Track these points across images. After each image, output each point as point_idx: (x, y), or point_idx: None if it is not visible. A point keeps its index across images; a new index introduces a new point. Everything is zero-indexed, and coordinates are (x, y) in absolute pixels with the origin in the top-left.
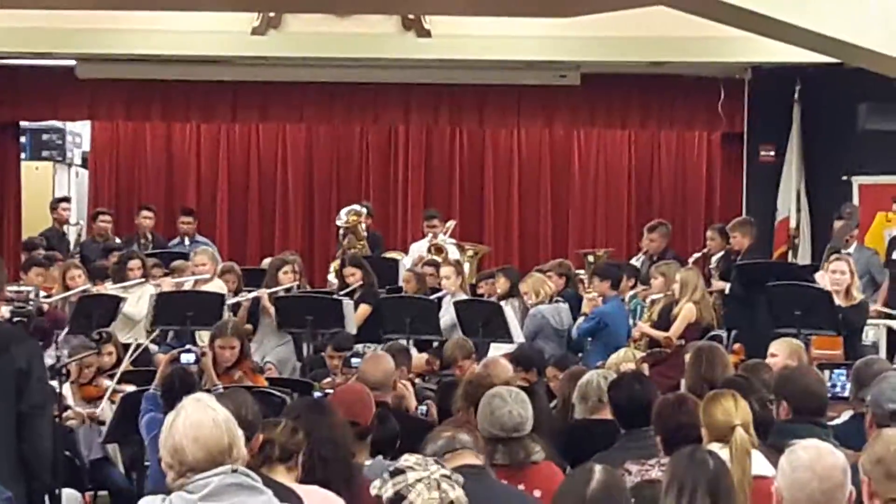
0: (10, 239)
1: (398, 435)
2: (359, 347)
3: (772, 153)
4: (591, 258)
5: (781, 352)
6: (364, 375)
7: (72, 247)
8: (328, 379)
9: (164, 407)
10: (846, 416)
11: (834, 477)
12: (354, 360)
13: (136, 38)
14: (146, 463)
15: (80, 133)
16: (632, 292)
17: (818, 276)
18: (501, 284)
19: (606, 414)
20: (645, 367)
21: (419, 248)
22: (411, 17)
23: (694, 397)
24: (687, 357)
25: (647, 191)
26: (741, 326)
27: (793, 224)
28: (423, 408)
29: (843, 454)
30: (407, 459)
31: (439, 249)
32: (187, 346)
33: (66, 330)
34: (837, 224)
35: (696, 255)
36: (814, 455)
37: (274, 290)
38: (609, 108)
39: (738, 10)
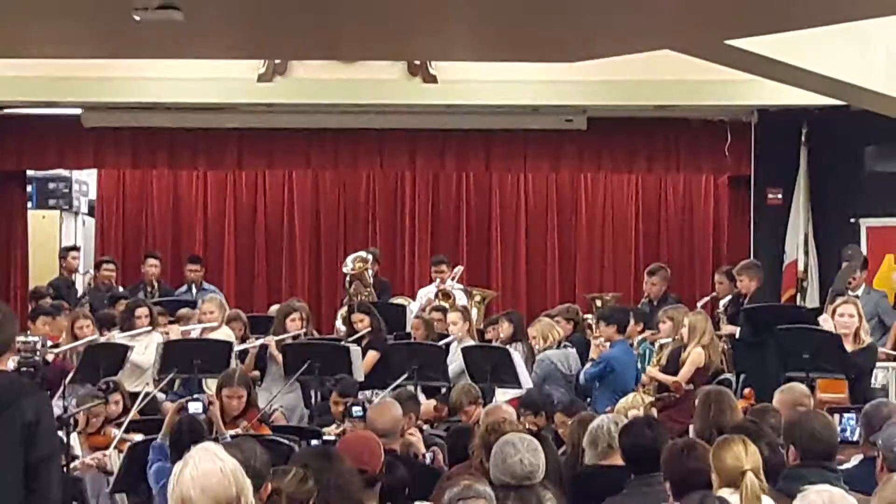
0: (18, 288)
1: (407, 483)
2: (367, 394)
3: (779, 196)
4: (598, 302)
5: (783, 406)
6: (372, 423)
7: (80, 295)
8: (333, 426)
9: (173, 456)
10: (856, 460)
11: None
12: (355, 409)
13: (141, 87)
14: None
15: (86, 181)
16: (640, 336)
17: (821, 319)
18: (505, 329)
19: (617, 459)
20: (654, 412)
21: (427, 294)
22: (417, 62)
23: (703, 442)
24: (696, 402)
25: (655, 234)
26: (750, 370)
27: (801, 267)
28: (430, 455)
29: (854, 499)
30: None
31: (447, 295)
32: (195, 396)
33: (73, 379)
34: (843, 266)
35: (706, 298)
36: (826, 499)
37: (281, 337)
38: (615, 151)
39: (744, 54)
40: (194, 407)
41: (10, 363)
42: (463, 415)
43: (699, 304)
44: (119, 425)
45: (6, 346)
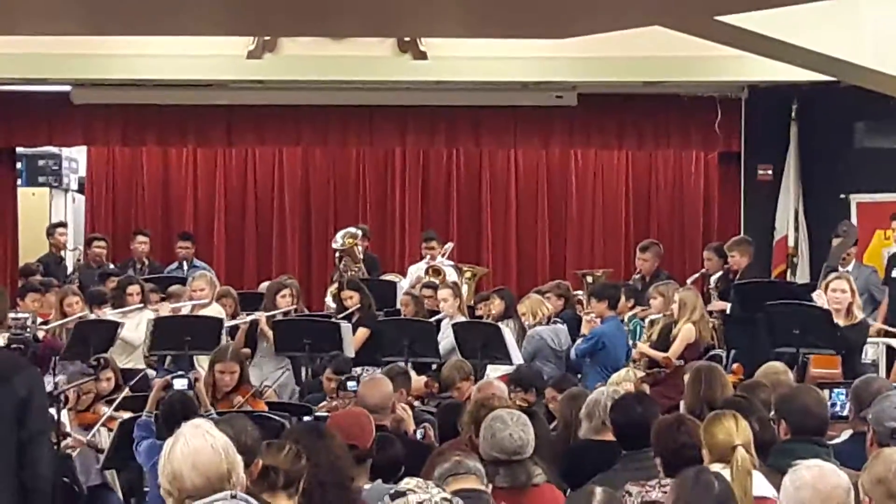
0: (7, 265)
1: (398, 459)
2: (357, 371)
3: (769, 172)
4: (589, 279)
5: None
6: (362, 399)
7: (69, 272)
8: (324, 402)
9: (165, 432)
10: (846, 435)
11: (837, 496)
12: (350, 384)
13: (131, 63)
14: (145, 489)
15: (76, 158)
16: (630, 313)
17: (815, 295)
18: (496, 306)
19: (610, 435)
20: (646, 388)
21: (417, 271)
22: (407, 39)
23: (693, 418)
24: (686, 377)
25: (645, 211)
26: (740, 346)
27: (791, 243)
28: (421, 431)
29: (845, 474)
30: (408, 483)
31: (437, 271)
32: (180, 372)
33: (63, 356)
34: (835, 242)
35: (696, 275)
36: (816, 474)
37: (272, 313)
38: (606, 128)
39: (735, 30)
40: (180, 383)
41: (1, 340)
42: (455, 391)
43: (689, 281)
44: (110, 402)
45: None
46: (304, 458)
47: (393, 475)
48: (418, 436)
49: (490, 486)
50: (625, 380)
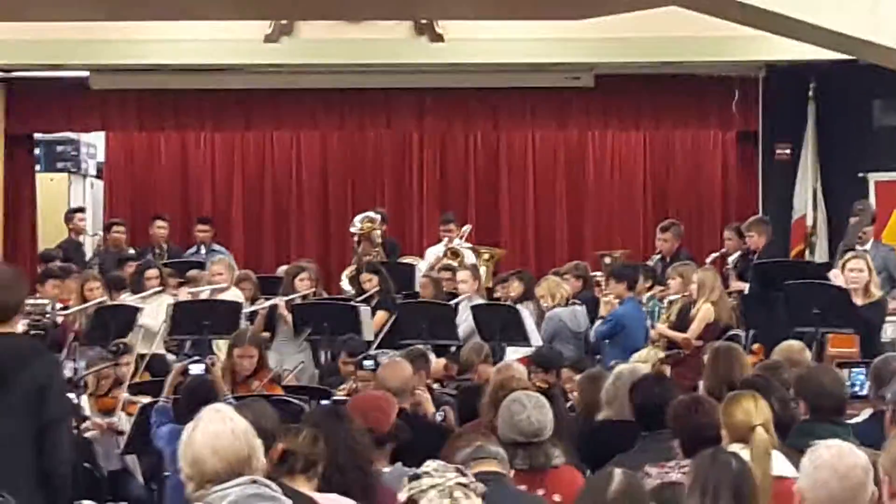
0: (27, 251)
1: (420, 443)
2: (377, 353)
3: (787, 151)
4: (607, 260)
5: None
6: (382, 382)
7: (88, 258)
8: (344, 385)
9: (185, 417)
10: (866, 414)
11: (856, 476)
12: (367, 363)
13: (148, 49)
14: (165, 474)
15: (94, 144)
16: (649, 293)
17: (832, 274)
18: (515, 288)
19: (630, 416)
20: (667, 369)
21: (435, 253)
22: (423, 21)
23: (710, 398)
24: (705, 358)
25: (663, 191)
26: (760, 326)
27: (809, 222)
28: (441, 414)
29: (864, 453)
30: (428, 465)
31: (455, 254)
32: (195, 357)
33: (83, 341)
34: (852, 221)
35: (714, 255)
36: (835, 454)
37: (290, 297)
38: (623, 109)
39: (752, 9)
40: (197, 368)
41: (20, 326)
42: (474, 373)
43: (708, 261)
44: (130, 387)
45: (17, 308)
46: (322, 441)
47: (412, 458)
48: (438, 418)
49: (510, 468)
50: (647, 359)
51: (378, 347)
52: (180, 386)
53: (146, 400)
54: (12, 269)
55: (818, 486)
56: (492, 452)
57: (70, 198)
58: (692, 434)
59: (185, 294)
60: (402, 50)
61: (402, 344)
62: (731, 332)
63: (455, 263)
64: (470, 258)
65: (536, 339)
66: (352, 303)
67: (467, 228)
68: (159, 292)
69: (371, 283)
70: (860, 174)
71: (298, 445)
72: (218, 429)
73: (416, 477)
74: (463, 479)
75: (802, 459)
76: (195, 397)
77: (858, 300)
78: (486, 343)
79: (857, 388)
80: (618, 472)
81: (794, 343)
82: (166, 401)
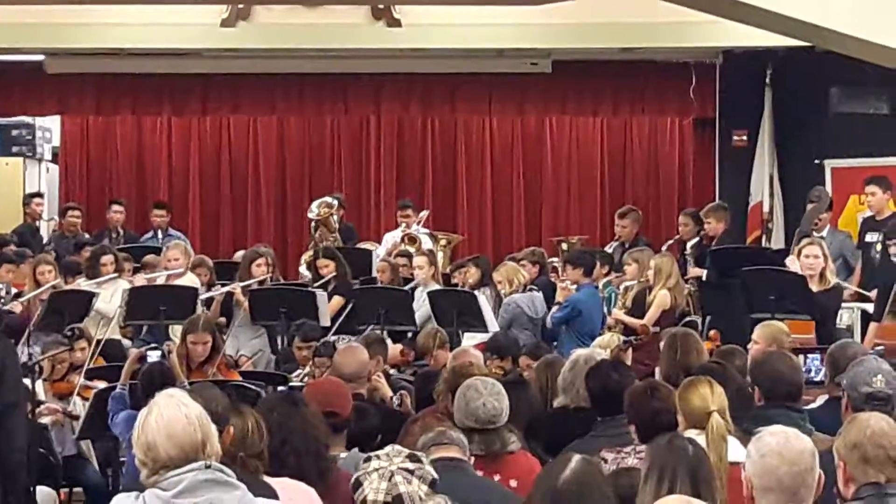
0: None
1: (377, 428)
2: (334, 339)
3: (744, 138)
4: (564, 246)
5: (762, 339)
6: (338, 367)
7: (45, 242)
8: (300, 371)
9: (143, 402)
10: (821, 400)
11: (803, 461)
12: (325, 349)
13: (104, 32)
14: (121, 459)
15: (49, 128)
16: (605, 279)
17: (788, 260)
18: (472, 274)
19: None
20: (628, 355)
21: (392, 238)
22: (381, 6)
23: (667, 384)
24: (662, 344)
25: (620, 177)
26: (717, 312)
27: (766, 209)
28: (397, 399)
29: (817, 438)
30: (383, 450)
31: (412, 239)
32: (153, 345)
33: (38, 326)
34: (809, 207)
35: (670, 241)
36: (781, 440)
37: (247, 283)
38: (580, 95)
39: None
40: (154, 355)
41: None
42: (430, 359)
43: (664, 247)
44: (85, 372)
45: None
46: (264, 425)
47: (369, 443)
48: (395, 403)
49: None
50: (608, 345)
51: (335, 333)
52: (137, 373)
53: (102, 385)
54: None
55: (767, 472)
56: (453, 438)
57: (25, 182)
58: (648, 420)
59: (141, 279)
60: (359, 35)
61: (360, 329)
62: (688, 319)
63: (412, 249)
64: (427, 244)
65: (493, 326)
66: (308, 288)
67: (425, 214)
68: (115, 278)
69: (328, 268)
70: (817, 161)
71: (246, 430)
72: (172, 414)
73: (367, 460)
74: (409, 465)
75: (748, 447)
76: (152, 384)
77: (814, 286)
78: (442, 329)
79: (812, 374)
80: (574, 458)
81: (778, 324)
82: (122, 388)
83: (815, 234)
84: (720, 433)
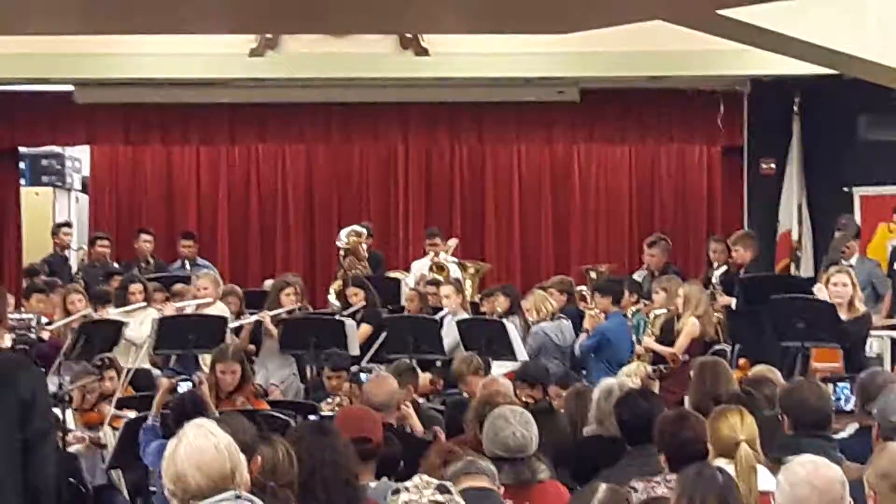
0: (11, 265)
1: (399, 454)
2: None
3: (772, 166)
4: (593, 274)
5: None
6: (368, 397)
7: (74, 272)
8: (329, 400)
9: (175, 433)
10: (851, 429)
11: (833, 490)
12: (364, 376)
13: (133, 63)
14: (151, 489)
15: (79, 158)
16: (634, 308)
17: (816, 288)
18: (501, 302)
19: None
20: (655, 384)
21: (421, 267)
22: (409, 36)
23: (696, 413)
24: (691, 372)
25: (648, 205)
26: (745, 341)
27: (795, 237)
28: (430, 436)
29: (847, 467)
30: (412, 481)
31: (441, 268)
32: (184, 376)
33: (67, 355)
34: (836, 235)
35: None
36: (811, 469)
37: (276, 312)
38: (608, 123)
39: (737, 24)
40: (185, 387)
41: (7, 341)
42: (464, 385)
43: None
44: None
45: None
46: (294, 456)
47: (393, 469)
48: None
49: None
50: (635, 373)
51: (369, 361)
52: (168, 404)
53: (132, 415)
54: None
55: (797, 502)
56: (482, 468)
57: (55, 212)
58: (678, 449)
59: (170, 308)
60: (387, 64)
61: (389, 358)
62: (717, 347)
63: (440, 278)
64: (455, 272)
65: (522, 354)
66: (337, 317)
67: (453, 242)
68: (144, 307)
69: (357, 297)
70: (845, 188)
71: (276, 460)
72: (201, 444)
73: (396, 492)
74: (440, 497)
75: (778, 476)
76: (185, 413)
77: (843, 315)
78: (477, 355)
79: (842, 403)
80: (602, 487)
81: (764, 367)
82: (154, 419)
83: (843, 261)
84: (749, 464)
